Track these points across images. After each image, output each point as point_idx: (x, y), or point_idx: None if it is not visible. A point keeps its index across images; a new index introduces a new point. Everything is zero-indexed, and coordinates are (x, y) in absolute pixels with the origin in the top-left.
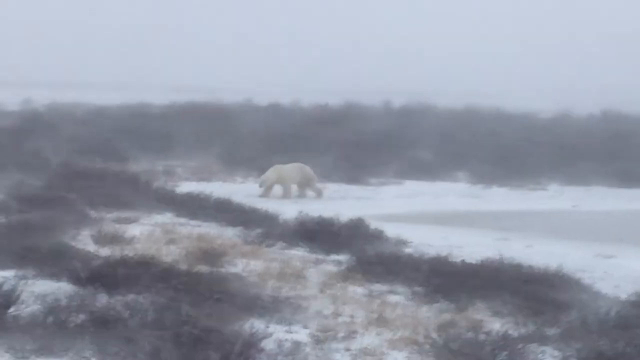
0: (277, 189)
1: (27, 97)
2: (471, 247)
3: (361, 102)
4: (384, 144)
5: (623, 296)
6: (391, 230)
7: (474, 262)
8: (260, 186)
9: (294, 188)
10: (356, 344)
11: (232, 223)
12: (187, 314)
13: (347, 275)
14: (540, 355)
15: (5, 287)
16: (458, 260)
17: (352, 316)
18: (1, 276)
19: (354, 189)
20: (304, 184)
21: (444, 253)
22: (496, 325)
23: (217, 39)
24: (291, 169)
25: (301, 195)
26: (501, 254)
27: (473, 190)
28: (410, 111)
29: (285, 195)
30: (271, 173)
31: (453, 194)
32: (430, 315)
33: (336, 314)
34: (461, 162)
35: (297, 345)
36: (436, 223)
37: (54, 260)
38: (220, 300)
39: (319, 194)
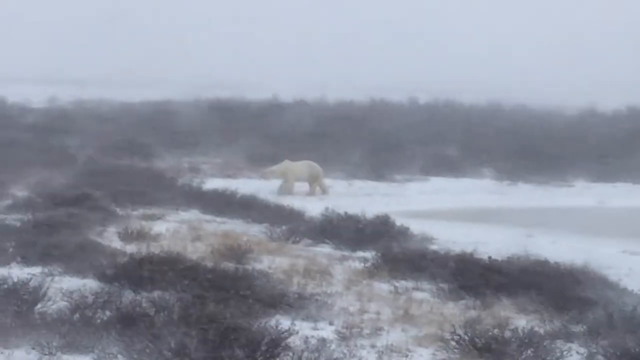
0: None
1: (53, 94)
2: (496, 243)
3: (386, 98)
4: (409, 140)
5: None
6: (417, 227)
7: (499, 258)
8: (262, 176)
9: (296, 185)
10: (382, 341)
11: (258, 220)
12: (212, 310)
13: (372, 272)
14: (566, 352)
15: (32, 284)
16: (484, 256)
17: (377, 313)
18: (28, 273)
19: (380, 186)
20: (312, 181)
21: (469, 250)
22: (522, 322)
23: (242, 35)
24: (300, 166)
25: (311, 193)
26: (527, 250)
27: (498, 186)
28: (436, 108)
29: (286, 190)
30: (278, 167)
31: (478, 190)
32: (456, 312)
33: (362, 311)
34: (486, 159)
35: (322, 342)
36: (461, 220)
37: (80, 257)
38: (246, 297)
39: (325, 191)
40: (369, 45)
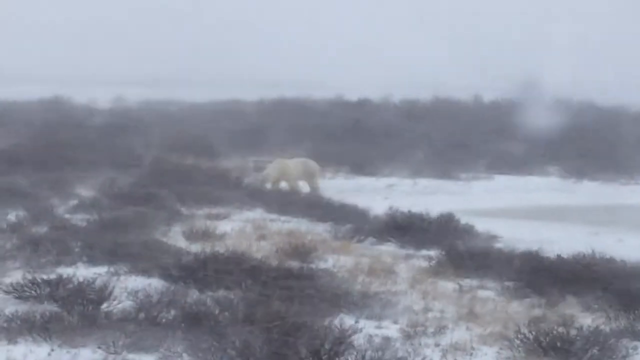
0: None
1: (119, 94)
2: (562, 241)
3: (451, 96)
4: (474, 138)
5: None
6: (481, 225)
7: (565, 256)
8: (263, 183)
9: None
10: (446, 339)
11: (322, 219)
12: (277, 309)
13: (437, 270)
14: (632, 350)
15: (98, 284)
16: (549, 255)
17: (442, 311)
18: (94, 273)
19: (444, 184)
20: (308, 179)
21: (534, 248)
22: (587, 321)
23: (306, 34)
24: (294, 164)
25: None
26: (593, 248)
27: (564, 184)
28: (501, 105)
29: (292, 190)
30: (272, 169)
31: (544, 188)
32: (520, 310)
33: (426, 309)
34: (552, 156)
35: (386, 340)
36: (527, 218)
37: (146, 257)
38: (310, 295)
39: (317, 190)
40: (433, 43)
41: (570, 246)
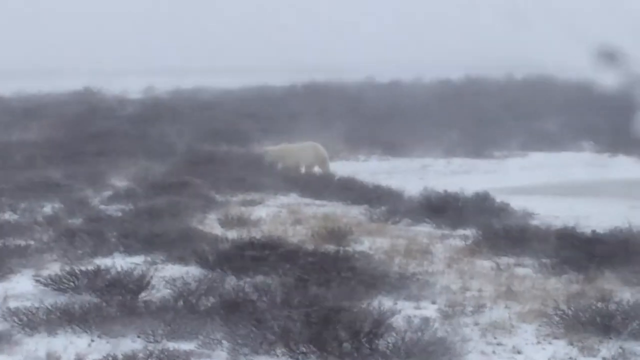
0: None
1: (150, 84)
2: (598, 216)
3: (483, 75)
4: (507, 116)
5: None
6: (517, 203)
7: (602, 231)
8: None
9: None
10: (485, 318)
11: (357, 201)
12: (315, 293)
13: (473, 249)
14: None
15: (136, 273)
16: (586, 230)
17: (480, 290)
18: (131, 262)
19: (479, 163)
20: (320, 164)
21: (570, 224)
22: (626, 295)
23: (335, 17)
24: (302, 149)
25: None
26: (630, 222)
27: (598, 159)
28: (533, 83)
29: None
30: (273, 149)
31: (578, 163)
32: (559, 286)
33: (464, 289)
34: (585, 132)
35: (425, 321)
36: (562, 194)
37: (182, 245)
38: (347, 278)
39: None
40: (463, 23)
41: (607, 221)
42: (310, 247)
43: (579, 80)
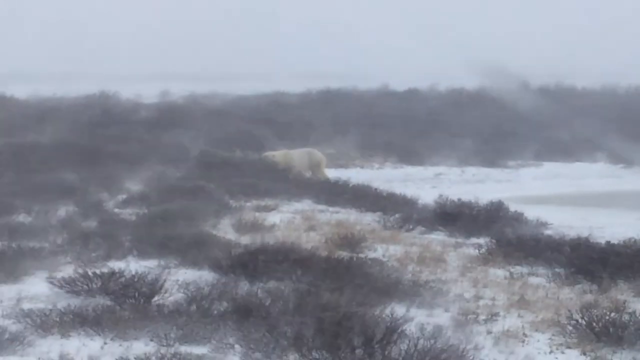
0: None
1: (165, 89)
2: (612, 227)
3: (497, 84)
4: (521, 126)
5: None
6: (531, 212)
7: (615, 242)
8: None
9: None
10: (498, 327)
11: (371, 208)
12: (328, 299)
13: (487, 258)
14: None
15: (149, 277)
16: (600, 241)
17: (493, 299)
18: (145, 266)
19: (493, 172)
20: (314, 169)
21: (584, 234)
22: None
23: (350, 25)
24: (299, 155)
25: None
26: None
27: (613, 170)
28: (548, 93)
29: None
30: (276, 154)
31: (592, 174)
32: (572, 296)
33: (477, 297)
34: (600, 143)
35: (438, 328)
36: (576, 204)
37: (196, 249)
38: (360, 285)
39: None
40: (477, 32)
41: (621, 232)
42: (323, 253)
43: (595, 89)
